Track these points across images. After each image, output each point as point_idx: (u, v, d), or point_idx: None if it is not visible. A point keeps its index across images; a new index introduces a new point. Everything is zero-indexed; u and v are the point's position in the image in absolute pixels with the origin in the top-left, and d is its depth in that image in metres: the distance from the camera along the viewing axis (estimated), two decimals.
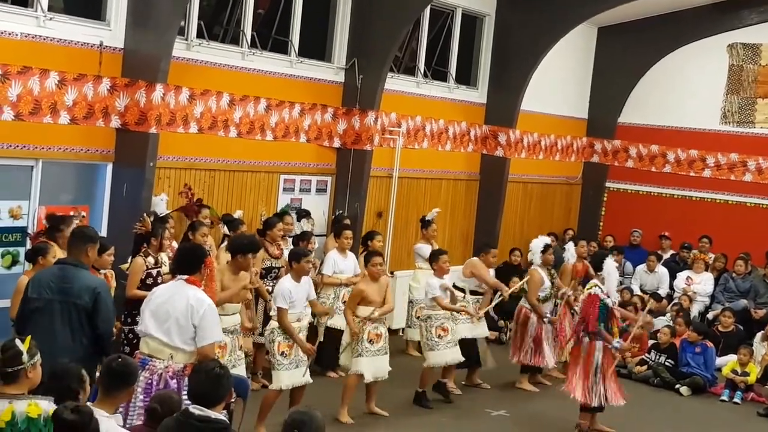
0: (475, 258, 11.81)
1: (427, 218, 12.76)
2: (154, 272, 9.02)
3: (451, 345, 10.50)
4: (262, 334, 10.31)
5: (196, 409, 4.98)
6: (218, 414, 5.03)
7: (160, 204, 10.35)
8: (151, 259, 9.07)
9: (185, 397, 6.14)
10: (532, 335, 11.36)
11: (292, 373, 8.78)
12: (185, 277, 6.84)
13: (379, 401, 10.03)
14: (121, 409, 5.82)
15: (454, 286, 11.00)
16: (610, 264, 10.14)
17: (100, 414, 5.09)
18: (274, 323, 8.88)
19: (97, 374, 5.86)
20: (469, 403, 10.88)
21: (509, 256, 15.12)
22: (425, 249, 12.29)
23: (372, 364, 9.64)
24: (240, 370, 8.31)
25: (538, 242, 11.66)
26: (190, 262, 6.95)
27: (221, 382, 5.12)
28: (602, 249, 16.36)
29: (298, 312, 8.88)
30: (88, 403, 5.34)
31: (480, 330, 11.43)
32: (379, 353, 9.71)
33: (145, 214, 9.56)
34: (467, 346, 10.98)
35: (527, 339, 11.38)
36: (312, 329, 9.37)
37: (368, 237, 11.89)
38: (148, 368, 6.57)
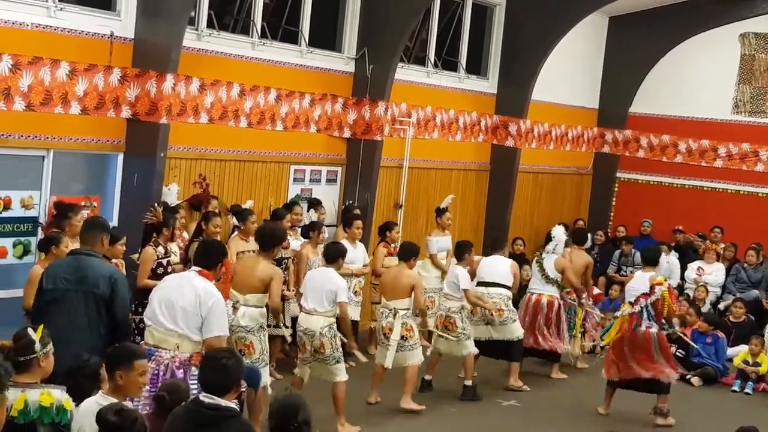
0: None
1: (441, 206, 12.81)
2: (164, 262, 9.07)
3: None
4: (277, 326, 10.33)
5: (206, 398, 5.00)
6: (229, 402, 5.04)
7: (170, 194, 10.36)
8: (161, 249, 9.10)
9: (193, 386, 6.16)
10: (542, 319, 11.44)
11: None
12: (198, 269, 6.87)
13: (388, 390, 10.03)
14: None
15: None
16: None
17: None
18: (330, 320, 8.98)
19: None
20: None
21: (512, 246, 15.11)
22: (433, 242, 12.36)
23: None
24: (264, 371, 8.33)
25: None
26: (208, 255, 7.01)
27: (231, 371, 5.12)
28: (613, 239, 16.36)
29: None
30: (101, 392, 5.36)
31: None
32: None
33: (156, 204, 9.58)
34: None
35: (535, 323, 11.45)
36: None
37: (386, 227, 11.95)
38: (154, 359, 6.58)
